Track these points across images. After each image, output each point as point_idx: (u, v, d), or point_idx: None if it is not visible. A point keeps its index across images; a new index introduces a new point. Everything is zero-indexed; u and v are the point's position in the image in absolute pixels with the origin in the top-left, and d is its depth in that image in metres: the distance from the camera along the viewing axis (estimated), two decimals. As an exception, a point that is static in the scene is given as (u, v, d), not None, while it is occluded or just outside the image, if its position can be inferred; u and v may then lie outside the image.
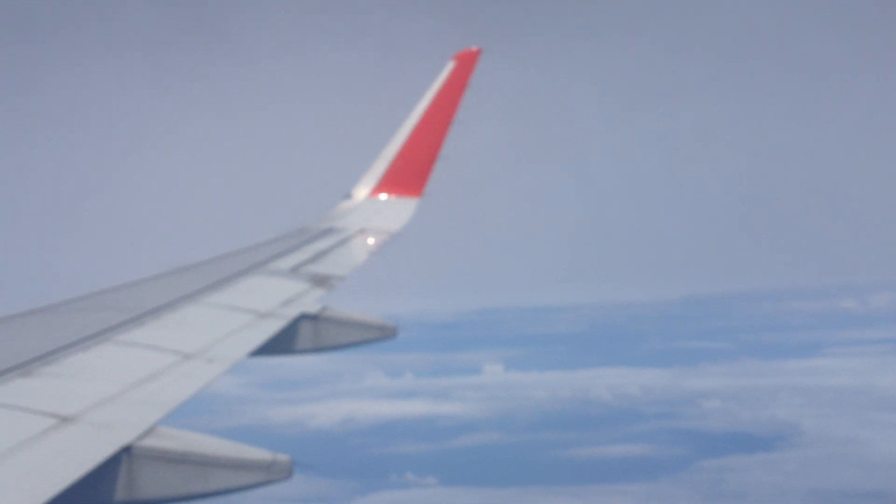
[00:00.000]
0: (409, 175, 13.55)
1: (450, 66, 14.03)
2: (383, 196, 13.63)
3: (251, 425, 66.07)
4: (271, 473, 5.73)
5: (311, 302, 9.25)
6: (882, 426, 60.35)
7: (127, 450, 5.49)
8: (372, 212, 13.37)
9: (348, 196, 13.85)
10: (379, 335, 9.26)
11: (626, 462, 54.13)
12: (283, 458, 5.81)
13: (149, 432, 5.69)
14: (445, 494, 48.70)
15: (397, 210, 13.34)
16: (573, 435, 60.77)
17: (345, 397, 74.11)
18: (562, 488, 48.24)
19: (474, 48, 14.07)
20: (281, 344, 8.54)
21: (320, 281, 10.07)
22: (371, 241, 12.26)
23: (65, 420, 5.67)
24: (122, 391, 6.31)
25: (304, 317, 8.84)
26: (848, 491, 46.32)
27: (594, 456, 56.07)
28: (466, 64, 13.92)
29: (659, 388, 75.66)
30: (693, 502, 45.28)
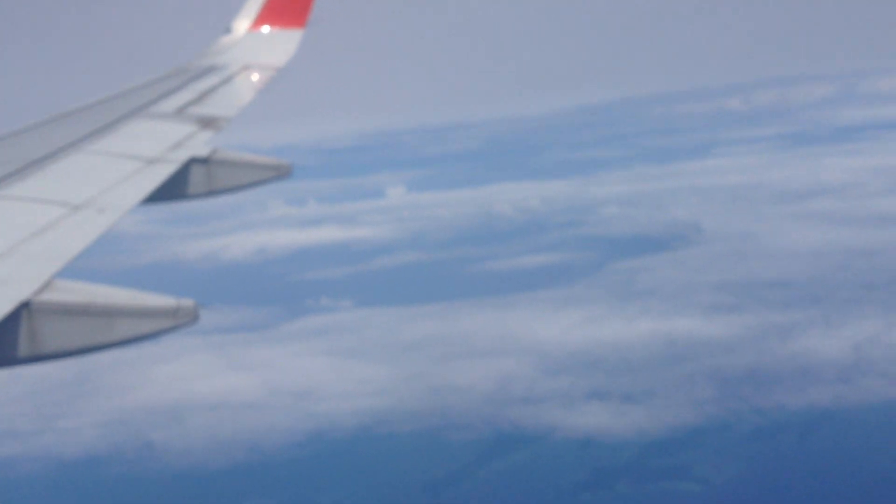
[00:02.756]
0: (290, 4, 12.90)
1: None
2: (265, 28, 12.96)
3: (162, 262, 65.48)
4: (177, 318, 5.65)
5: (201, 144, 8.91)
6: (775, 218, 63.15)
7: (25, 305, 5.34)
8: (255, 46, 12.74)
9: (228, 30, 13.12)
10: (274, 174, 8.94)
11: (540, 270, 55.67)
12: (187, 302, 5.69)
13: (46, 286, 5.51)
14: (365, 315, 49.52)
15: (281, 42, 12.68)
16: (484, 249, 62.00)
17: (253, 228, 73.82)
18: (482, 300, 49.50)
19: None
20: (172, 190, 8.28)
21: (208, 122, 9.63)
22: (256, 77, 11.73)
23: (-47, 281, 5.49)
24: (13, 247, 6.03)
25: (194, 160, 8.56)
26: (751, 281, 48.64)
27: (508, 267, 57.45)
28: None
29: (560, 198, 77.29)
30: (609, 302, 47.05)
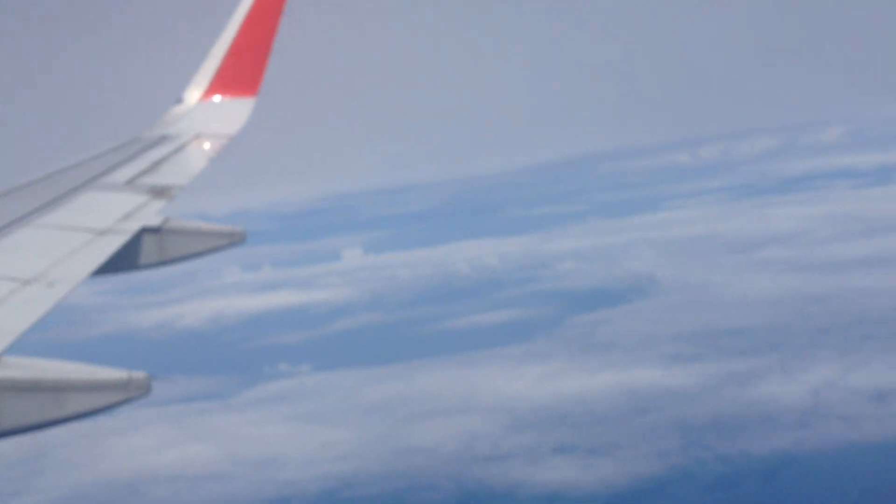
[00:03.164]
0: (241, 74, 12.84)
1: None
2: (217, 98, 12.87)
3: (115, 333, 64.57)
4: (129, 391, 5.62)
5: (152, 214, 8.92)
6: (729, 268, 64.01)
7: None
8: (206, 115, 12.69)
9: (179, 100, 13.03)
10: (228, 241, 8.96)
11: (500, 327, 55.76)
12: (139, 374, 5.65)
13: None
14: (325, 378, 49.12)
15: (233, 111, 12.63)
16: (443, 308, 62.01)
17: (208, 296, 73.17)
18: (443, 358, 49.39)
19: None
20: (124, 260, 8.25)
21: (159, 192, 9.61)
22: (208, 145, 11.76)
23: None
24: None
25: (146, 230, 8.56)
26: (709, 330, 49.14)
27: (468, 325, 57.47)
28: None
29: (516, 255, 77.78)
30: (570, 356, 47.23)
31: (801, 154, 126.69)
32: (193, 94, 13.02)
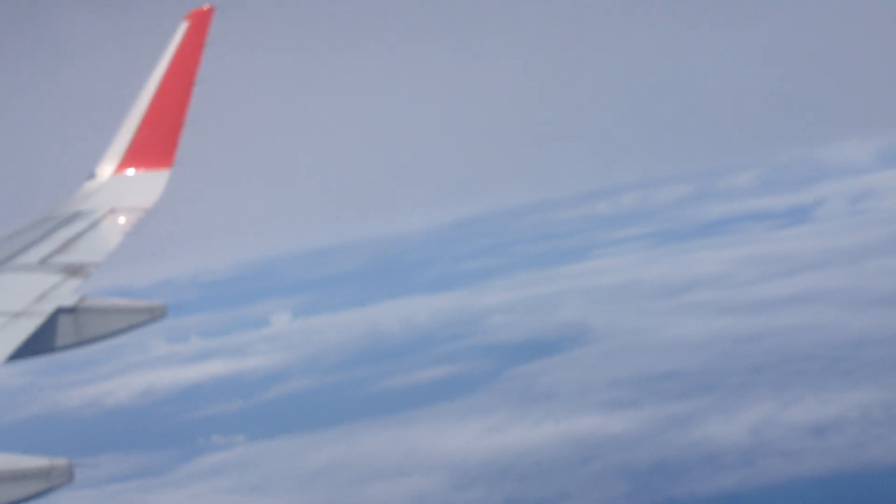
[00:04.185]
0: (155, 146, 12.70)
1: (183, 27, 13.29)
2: (130, 171, 12.72)
3: (42, 415, 62.54)
4: (51, 480, 5.49)
5: (68, 294, 8.69)
6: (659, 313, 64.88)
7: None
8: (121, 190, 12.49)
9: (91, 176, 12.86)
10: (147, 317, 8.80)
11: (437, 384, 55.49)
12: (61, 462, 5.56)
13: None
14: (266, 446, 48.17)
15: (148, 184, 12.46)
16: (377, 369, 61.54)
17: (136, 370, 71.47)
18: (382, 419, 48.90)
19: (206, 6, 13.38)
20: (40, 343, 8.06)
21: (74, 270, 9.36)
22: (123, 220, 11.54)
23: None
24: None
25: (61, 311, 8.36)
26: (645, 375, 49.63)
27: (404, 384, 57.07)
28: (200, 23, 13.25)
29: (447, 311, 77.72)
30: (510, 408, 47.19)
31: (716, 199, 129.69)
32: (106, 169, 12.79)
